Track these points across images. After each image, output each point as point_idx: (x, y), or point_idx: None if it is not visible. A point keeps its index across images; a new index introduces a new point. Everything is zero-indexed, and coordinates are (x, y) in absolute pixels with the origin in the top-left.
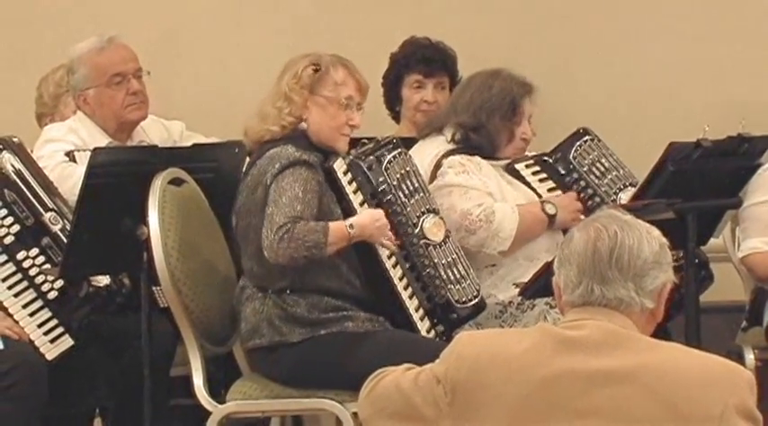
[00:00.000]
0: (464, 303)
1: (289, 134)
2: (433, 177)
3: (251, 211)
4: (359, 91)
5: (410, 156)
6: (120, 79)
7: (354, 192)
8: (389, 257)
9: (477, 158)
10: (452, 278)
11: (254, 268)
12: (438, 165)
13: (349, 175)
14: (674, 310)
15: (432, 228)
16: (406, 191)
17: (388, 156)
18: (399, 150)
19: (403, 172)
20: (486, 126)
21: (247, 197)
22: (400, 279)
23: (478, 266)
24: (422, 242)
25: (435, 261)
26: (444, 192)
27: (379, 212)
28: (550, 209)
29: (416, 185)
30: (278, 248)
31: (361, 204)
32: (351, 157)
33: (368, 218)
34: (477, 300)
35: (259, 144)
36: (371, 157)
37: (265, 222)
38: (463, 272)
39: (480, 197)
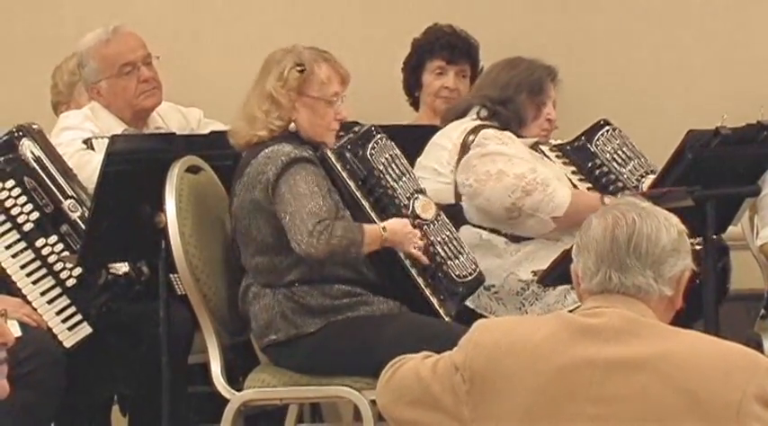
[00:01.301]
0: (464, 277)
1: (278, 136)
2: (462, 148)
3: (249, 211)
4: (342, 83)
5: (391, 142)
6: (130, 68)
7: (349, 178)
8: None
9: (509, 133)
10: (449, 254)
11: (260, 265)
12: (466, 140)
13: (340, 163)
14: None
15: (423, 207)
16: (394, 175)
17: (371, 142)
18: (380, 136)
19: (387, 156)
20: (514, 99)
21: (244, 197)
22: (411, 262)
23: (509, 236)
24: (416, 222)
25: (432, 239)
26: (487, 160)
27: (406, 221)
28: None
29: (402, 168)
30: (318, 243)
31: (358, 189)
32: (336, 147)
33: (400, 225)
34: (476, 273)
35: (248, 146)
36: (356, 145)
37: (291, 220)
38: (458, 247)
39: (527, 163)
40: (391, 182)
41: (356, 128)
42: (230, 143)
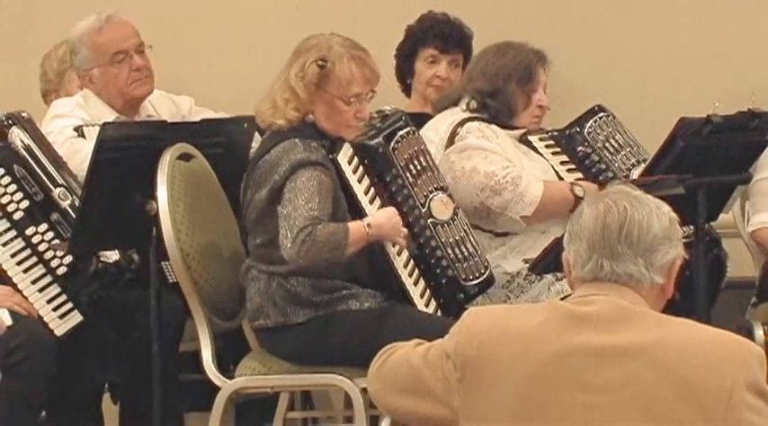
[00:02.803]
0: (471, 280)
1: (297, 126)
2: (450, 143)
3: (259, 204)
4: (367, 84)
5: (419, 135)
6: (123, 56)
7: (360, 180)
8: (394, 245)
9: (494, 126)
10: (460, 256)
11: (263, 253)
12: (453, 133)
13: (355, 161)
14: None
15: (439, 207)
16: (414, 171)
17: (396, 137)
18: (408, 129)
19: (411, 151)
20: (504, 90)
21: (254, 190)
22: (404, 267)
23: (494, 232)
24: (429, 221)
25: (443, 240)
26: (464, 156)
27: (392, 210)
28: (579, 192)
29: (424, 164)
30: (299, 251)
31: (367, 191)
32: (357, 141)
33: (383, 217)
34: (485, 276)
35: (269, 129)
36: (379, 139)
37: (283, 223)
38: (471, 250)
39: (502, 160)
40: (410, 179)
41: (386, 111)
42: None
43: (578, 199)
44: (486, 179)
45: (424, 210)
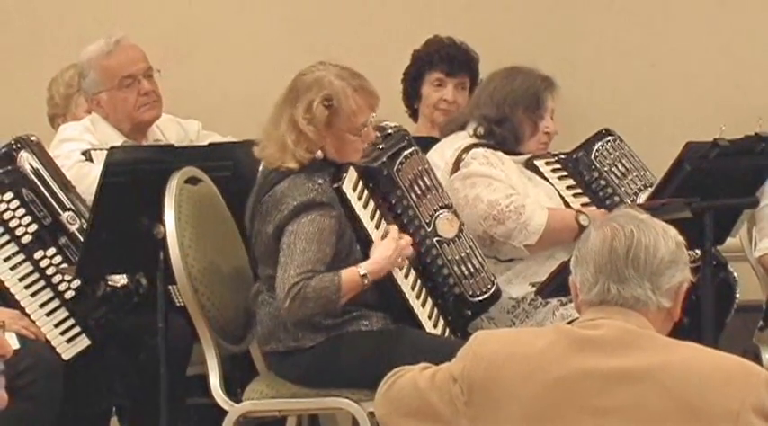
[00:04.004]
0: (478, 296)
1: (306, 165)
2: (455, 168)
3: (267, 240)
4: (371, 109)
5: (422, 155)
6: (131, 81)
7: (365, 206)
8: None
9: (500, 153)
10: (466, 273)
11: (272, 279)
12: (459, 159)
13: (360, 185)
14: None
15: (444, 225)
16: (419, 191)
17: (400, 158)
18: (412, 149)
19: (415, 172)
20: (510, 118)
21: (262, 222)
22: (412, 289)
23: (498, 258)
24: (435, 240)
25: (449, 258)
26: (468, 183)
27: (388, 244)
28: (584, 220)
29: (429, 183)
30: (290, 308)
31: (372, 216)
32: (362, 164)
33: (380, 256)
34: (492, 291)
35: (277, 170)
36: (383, 160)
37: (279, 273)
38: (477, 266)
39: (506, 188)
40: (414, 200)
41: (390, 133)
42: (256, 154)
43: (582, 228)
44: (489, 208)
45: (429, 230)
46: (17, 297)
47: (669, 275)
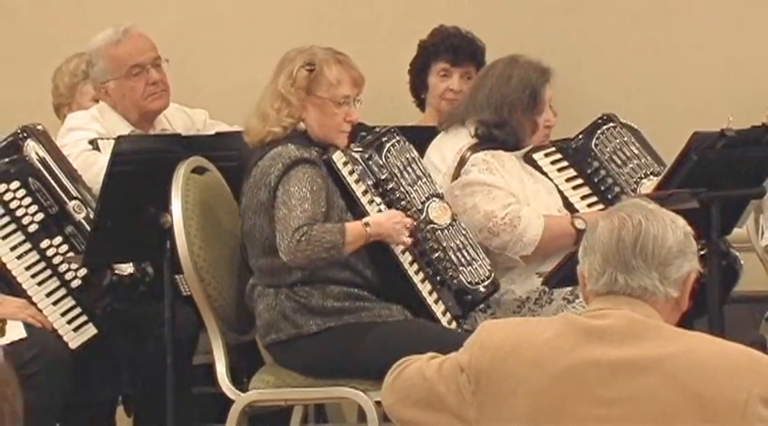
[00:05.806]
0: (477, 284)
1: (290, 134)
2: (457, 174)
3: (255, 212)
4: (355, 86)
5: (409, 145)
6: (139, 70)
7: (356, 182)
8: (401, 249)
9: (501, 152)
10: (463, 260)
11: (263, 266)
12: (462, 161)
13: (349, 166)
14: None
15: (437, 213)
16: (409, 179)
17: (387, 145)
18: (397, 138)
19: (403, 159)
20: (509, 121)
21: (251, 198)
22: (411, 264)
23: (497, 266)
24: (429, 227)
25: (444, 244)
26: (467, 192)
27: (395, 212)
28: (580, 224)
29: (418, 172)
30: (296, 251)
31: (365, 193)
32: (350, 150)
33: (383, 217)
34: (490, 280)
35: (261, 144)
36: (370, 149)
37: (278, 225)
38: (473, 254)
39: (505, 197)
40: (405, 186)
41: (376, 129)
42: (245, 140)
43: (580, 232)
44: (485, 219)
45: (422, 216)
46: (24, 286)
47: (677, 265)
